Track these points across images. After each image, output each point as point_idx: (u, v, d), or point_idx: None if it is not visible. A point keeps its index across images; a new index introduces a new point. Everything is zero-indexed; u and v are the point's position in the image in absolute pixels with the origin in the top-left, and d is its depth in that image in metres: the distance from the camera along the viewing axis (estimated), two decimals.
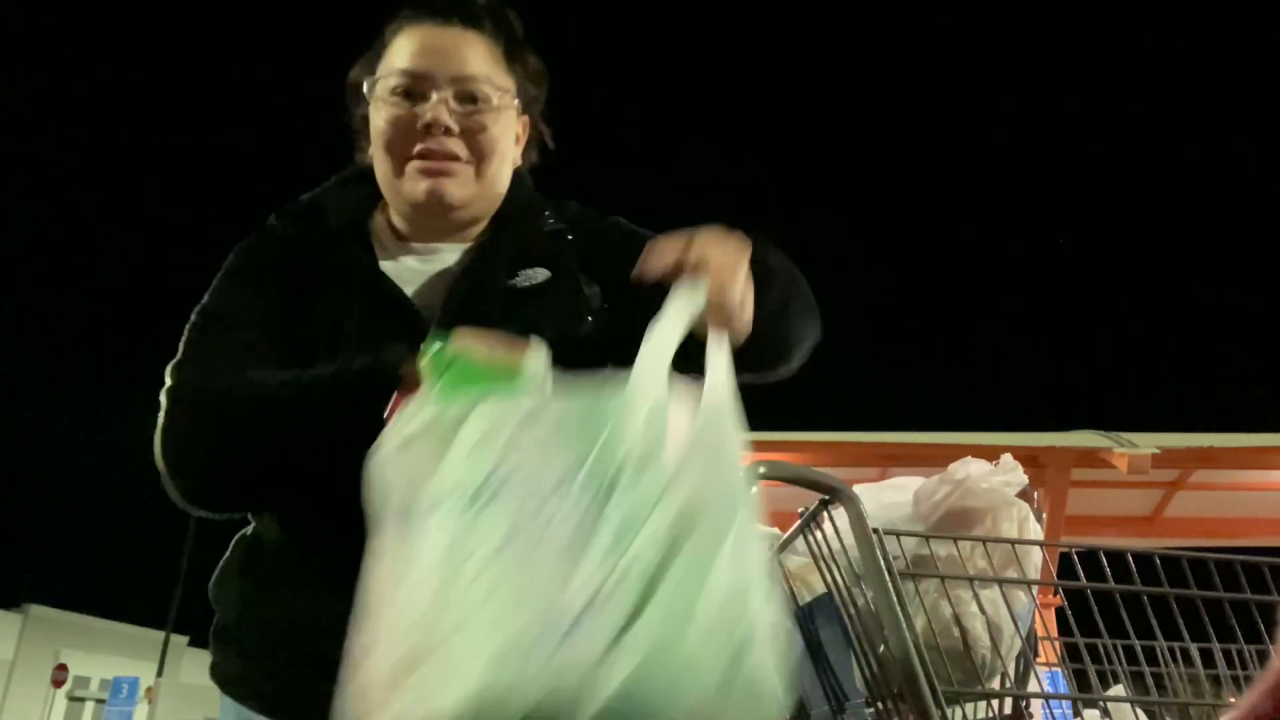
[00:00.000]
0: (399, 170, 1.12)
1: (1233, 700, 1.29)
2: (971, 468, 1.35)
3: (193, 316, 1.13)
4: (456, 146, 1.10)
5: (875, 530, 1.11)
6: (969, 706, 1.23)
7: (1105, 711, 1.21)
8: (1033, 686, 1.35)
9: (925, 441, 6.96)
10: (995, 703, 1.22)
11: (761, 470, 1.16)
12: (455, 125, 1.10)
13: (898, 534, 1.20)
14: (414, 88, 1.11)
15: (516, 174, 1.20)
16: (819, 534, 1.20)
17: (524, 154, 1.22)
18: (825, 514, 1.17)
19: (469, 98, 1.11)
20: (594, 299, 1.15)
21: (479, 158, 1.12)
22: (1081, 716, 1.76)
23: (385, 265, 1.14)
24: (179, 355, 1.08)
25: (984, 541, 1.23)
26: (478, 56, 1.13)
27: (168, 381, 1.07)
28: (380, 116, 1.13)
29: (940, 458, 1.47)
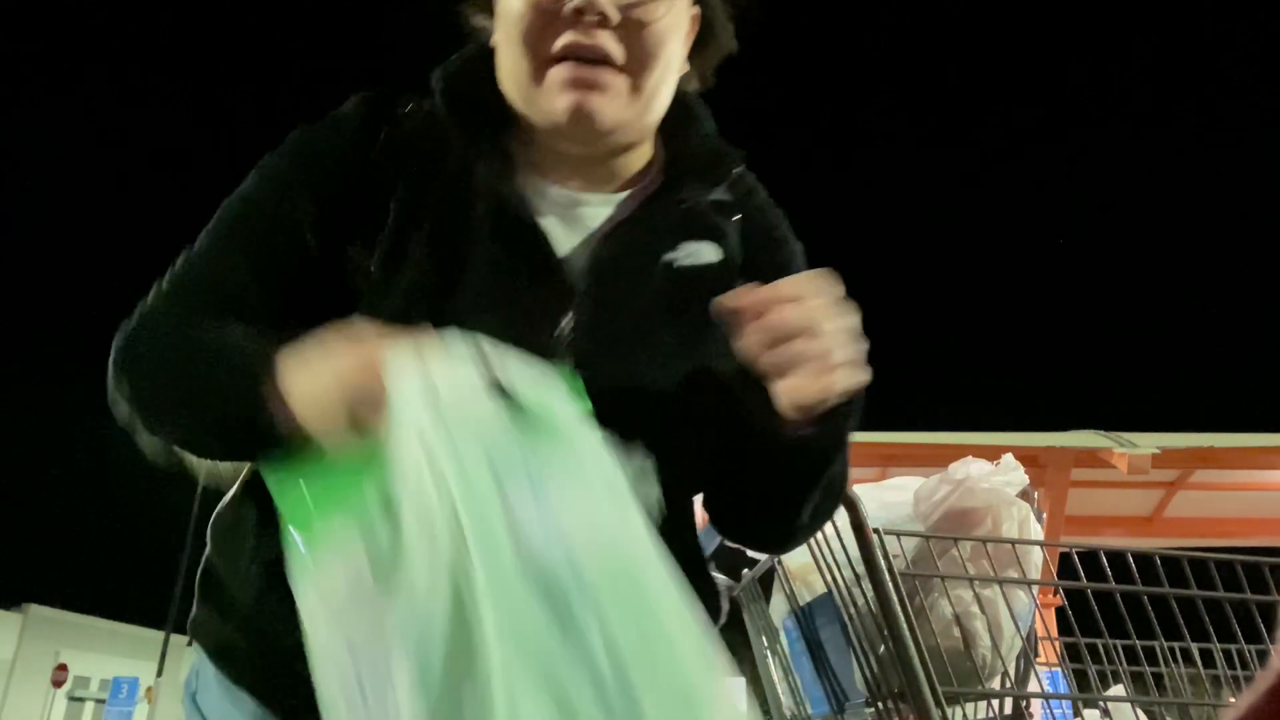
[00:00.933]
0: (537, 74, 0.86)
1: (1233, 700, 1.29)
2: (972, 468, 1.35)
3: (227, 201, 0.89)
4: (612, 44, 0.85)
5: (875, 530, 1.11)
6: (969, 706, 1.23)
7: (1105, 711, 1.21)
8: (1033, 686, 1.35)
9: (925, 441, 6.96)
10: (995, 702, 1.22)
11: None
12: (614, 13, 0.85)
13: (898, 534, 1.20)
14: None
15: (684, 96, 0.94)
16: (819, 534, 1.20)
17: (694, 62, 0.95)
18: None
19: None
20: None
21: (640, 60, 0.86)
22: (1082, 716, 1.76)
23: (538, 206, 0.89)
24: (192, 249, 0.86)
25: (984, 542, 1.23)
26: None
27: (162, 282, 0.86)
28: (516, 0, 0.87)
29: (940, 458, 1.47)
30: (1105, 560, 1.21)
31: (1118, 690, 1.46)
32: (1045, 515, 1.60)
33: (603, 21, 0.84)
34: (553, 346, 0.84)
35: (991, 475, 1.34)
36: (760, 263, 0.90)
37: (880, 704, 1.18)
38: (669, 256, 0.88)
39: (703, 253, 0.90)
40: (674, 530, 0.80)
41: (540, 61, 0.86)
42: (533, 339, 0.82)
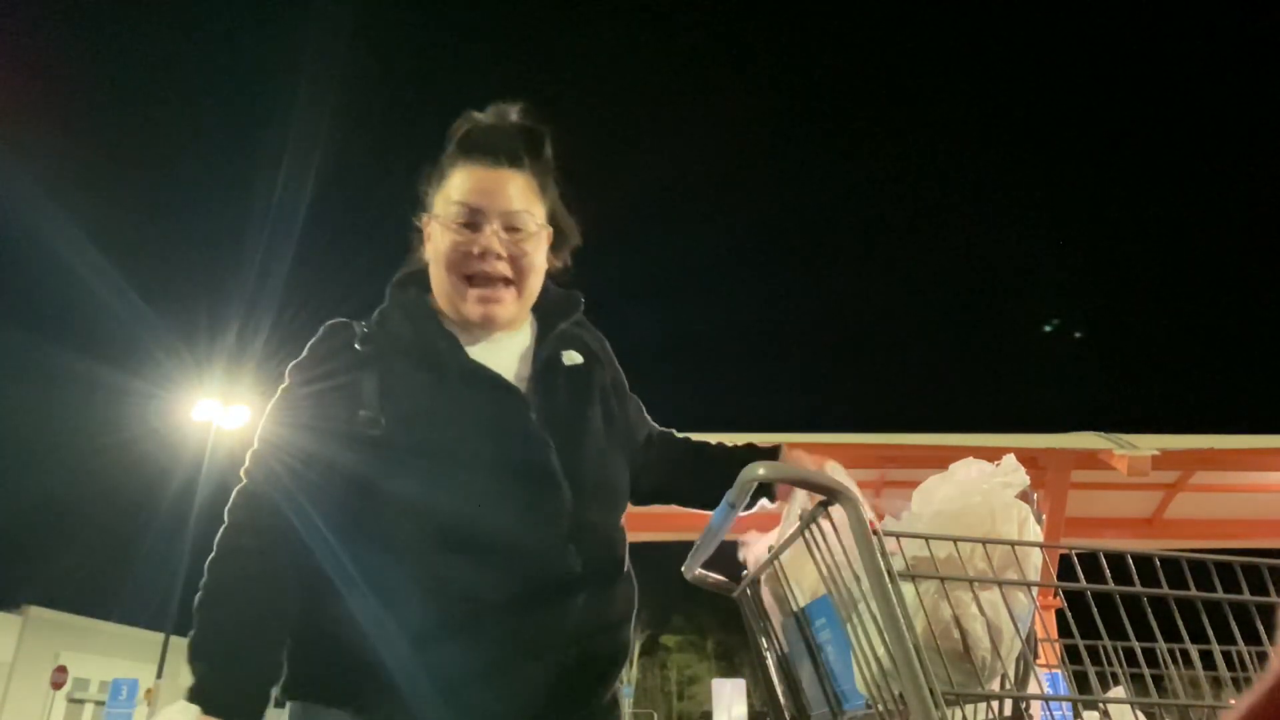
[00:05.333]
0: (458, 289, 1.41)
1: (1232, 701, 1.29)
2: (972, 469, 1.35)
3: (249, 481, 1.33)
4: (504, 268, 1.40)
5: (875, 531, 1.11)
6: (969, 708, 1.23)
7: (1105, 713, 1.21)
8: (1033, 688, 1.35)
9: (925, 442, 6.96)
10: (995, 704, 1.22)
11: (760, 471, 1.16)
12: (504, 251, 1.39)
13: (898, 535, 1.20)
14: (471, 220, 1.39)
15: (547, 278, 1.51)
16: (818, 535, 1.20)
17: (555, 255, 1.52)
18: (825, 515, 1.17)
19: (513, 228, 1.40)
20: (609, 387, 1.50)
21: (521, 276, 1.42)
22: (1081, 718, 1.76)
23: (469, 349, 1.41)
24: (238, 506, 1.30)
25: (984, 543, 1.23)
26: (519, 192, 1.41)
27: (233, 515, 1.30)
28: (444, 241, 1.41)
29: (940, 459, 1.47)
30: (1105, 562, 1.20)
31: (1118, 692, 1.46)
32: (1045, 517, 1.60)
33: (498, 256, 1.39)
34: (535, 429, 1.34)
35: (992, 476, 1.34)
36: (604, 360, 1.53)
37: (879, 706, 1.18)
38: (562, 360, 1.45)
39: (576, 357, 1.47)
40: (614, 542, 1.43)
41: (459, 280, 1.40)
42: (520, 426, 1.33)
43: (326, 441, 1.29)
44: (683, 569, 1.81)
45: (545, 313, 1.51)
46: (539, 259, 1.45)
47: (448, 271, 1.41)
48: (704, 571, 1.80)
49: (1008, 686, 1.26)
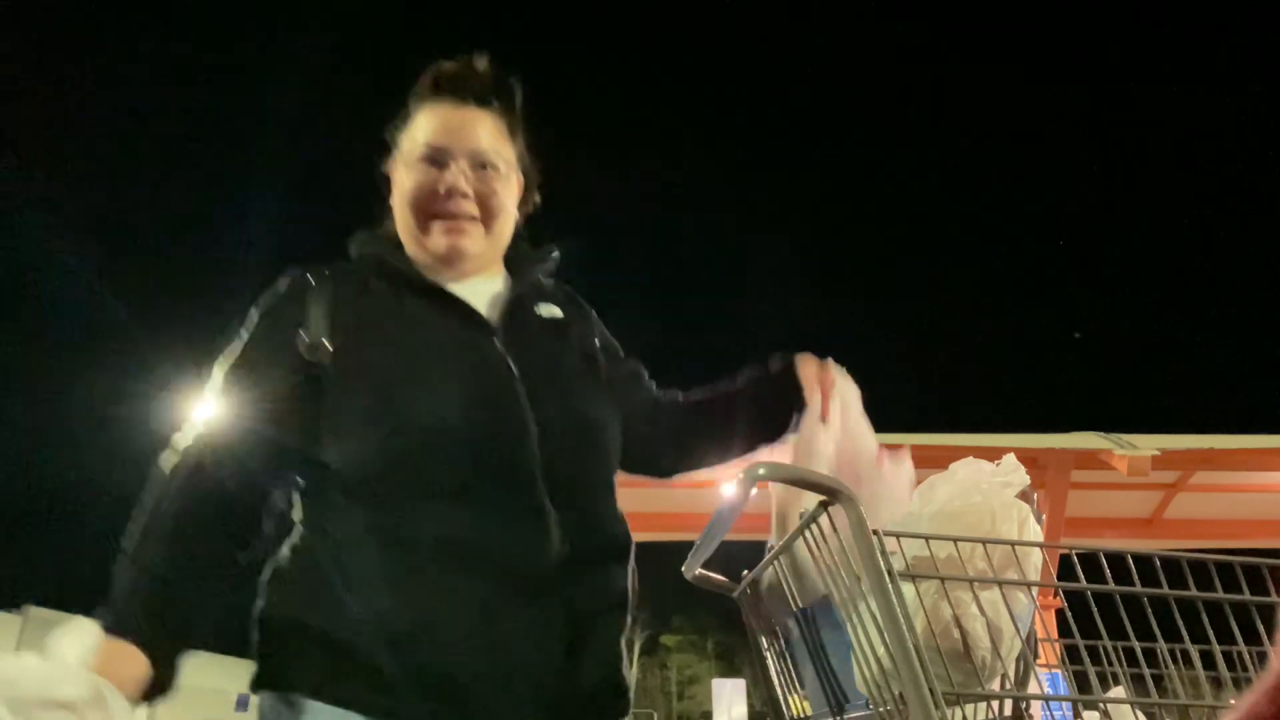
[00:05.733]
0: (423, 227, 1.33)
1: (1232, 702, 1.29)
2: (972, 469, 1.35)
3: (222, 370, 1.24)
4: (471, 208, 1.33)
5: (875, 531, 1.11)
6: (969, 708, 1.23)
7: (1105, 713, 1.21)
8: (1033, 688, 1.35)
9: (925, 443, 6.96)
10: (995, 704, 1.22)
11: (761, 471, 1.16)
12: (470, 190, 1.33)
13: (898, 535, 1.20)
14: (436, 157, 1.33)
15: (515, 228, 1.43)
16: (819, 535, 1.20)
17: (520, 210, 1.44)
18: (825, 515, 1.17)
19: (480, 166, 1.34)
20: (594, 345, 1.40)
21: (489, 216, 1.35)
22: (1081, 718, 1.76)
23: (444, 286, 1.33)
24: (200, 419, 1.20)
25: (984, 543, 1.23)
26: (487, 132, 1.35)
27: (190, 436, 1.19)
28: (408, 180, 1.34)
29: (940, 459, 1.47)
30: (1105, 562, 1.20)
31: (1118, 692, 1.46)
32: (1045, 517, 1.60)
33: (464, 195, 1.32)
34: (499, 356, 1.24)
35: (992, 476, 1.34)
36: (589, 321, 1.44)
37: (880, 706, 1.18)
38: (536, 310, 1.36)
39: (554, 311, 1.38)
40: (597, 496, 1.27)
41: (425, 219, 1.33)
42: (483, 353, 1.24)
43: (270, 377, 1.19)
44: (683, 569, 1.81)
45: (517, 265, 1.42)
46: (508, 201, 1.39)
47: (412, 211, 1.34)
48: (704, 571, 1.80)
49: (1008, 686, 1.26)
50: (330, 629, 1.10)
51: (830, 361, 1.42)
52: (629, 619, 1.26)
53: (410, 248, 1.37)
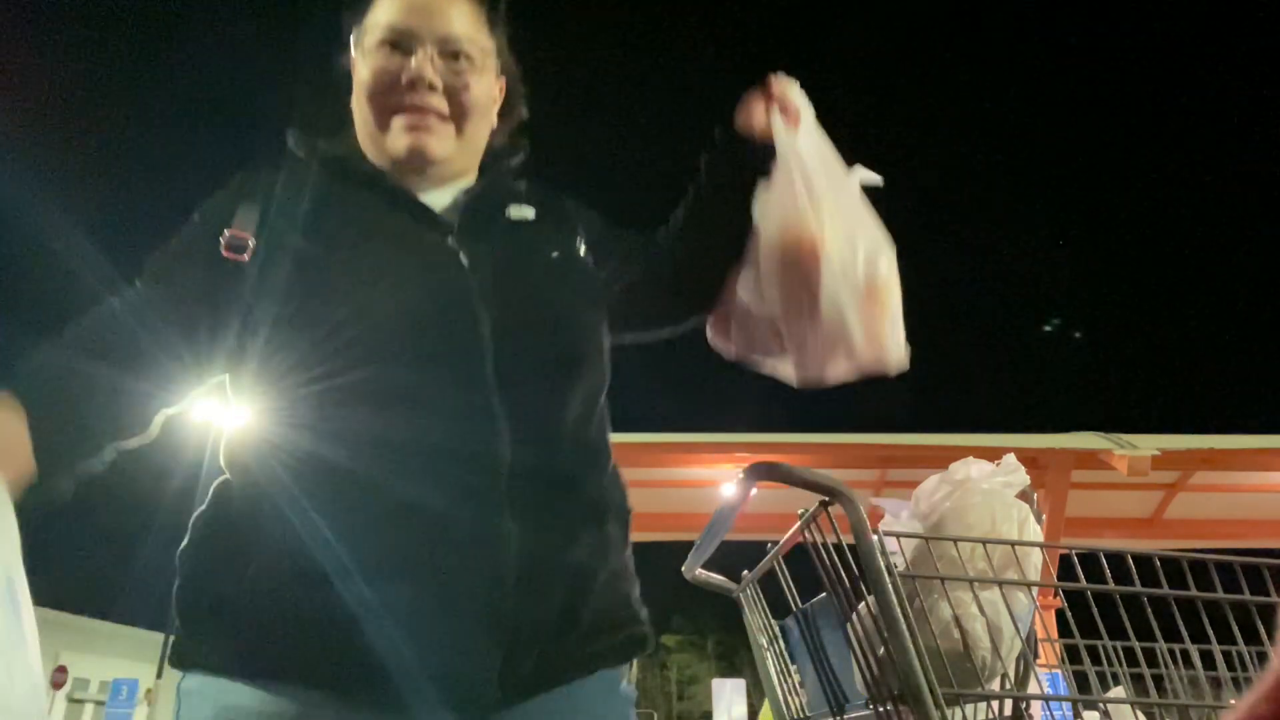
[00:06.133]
0: (382, 123, 1.12)
1: (1232, 702, 1.29)
2: (972, 468, 1.35)
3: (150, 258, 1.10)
4: (439, 103, 1.12)
5: (875, 531, 1.11)
6: (969, 708, 1.23)
7: (1105, 713, 1.21)
8: (1033, 688, 1.35)
9: (925, 443, 6.97)
10: (995, 704, 1.22)
11: (761, 471, 1.16)
12: (439, 81, 1.11)
13: (898, 535, 1.20)
14: (400, 42, 1.12)
15: (492, 136, 1.22)
16: (819, 535, 1.20)
17: (499, 117, 1.22)
18: (825, 515, 1.17)
19: (452, 55, 1.13)
20: (579, 241, 1.18)
21: (460, 115, 1.13)
22: (1081, 718, 1.77)
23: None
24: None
25: (984, 543, 1.23)
26: (462, 16, 1.14)
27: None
28: (365, 68, 1.13)
29: (940, 459, 1.47)
30: (1105, 562, 1.20)
31: (1118, 692, 1.46)
32: (1045, 517, 1.60)
33: (431, 87, 1.10)
34: (450, 252, 1.06)
35: (992, 476, 1.34)
36: (571, 216, 1.20)
37: (880, 706, 1.18)
38: (505, 214, 1.14)
39: (525, 211, 1.15)
40: (572, 416, 1.06)
41: (384, 114, 1.12)
42: (430, 248, 1.06)
43: (186, 274, 1.05)
44: (683, 569, 1.82)
45: (485, 165, 1.21)
46: (483, 97, 1.16)
47: (370, 104, 1.12)
48: (704, 571, 1.80)
49: (1008, 686, 1.26)
50: (241, 589, 0.94)
51: (772, 79, 1.17)
52: (614, 547, 1.06)
53: (369, 150, 1.15)
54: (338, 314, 0.99)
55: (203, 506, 1.03)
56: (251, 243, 1.04)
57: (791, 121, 1.11)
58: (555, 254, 1.14)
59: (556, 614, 0.97)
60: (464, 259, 1.06)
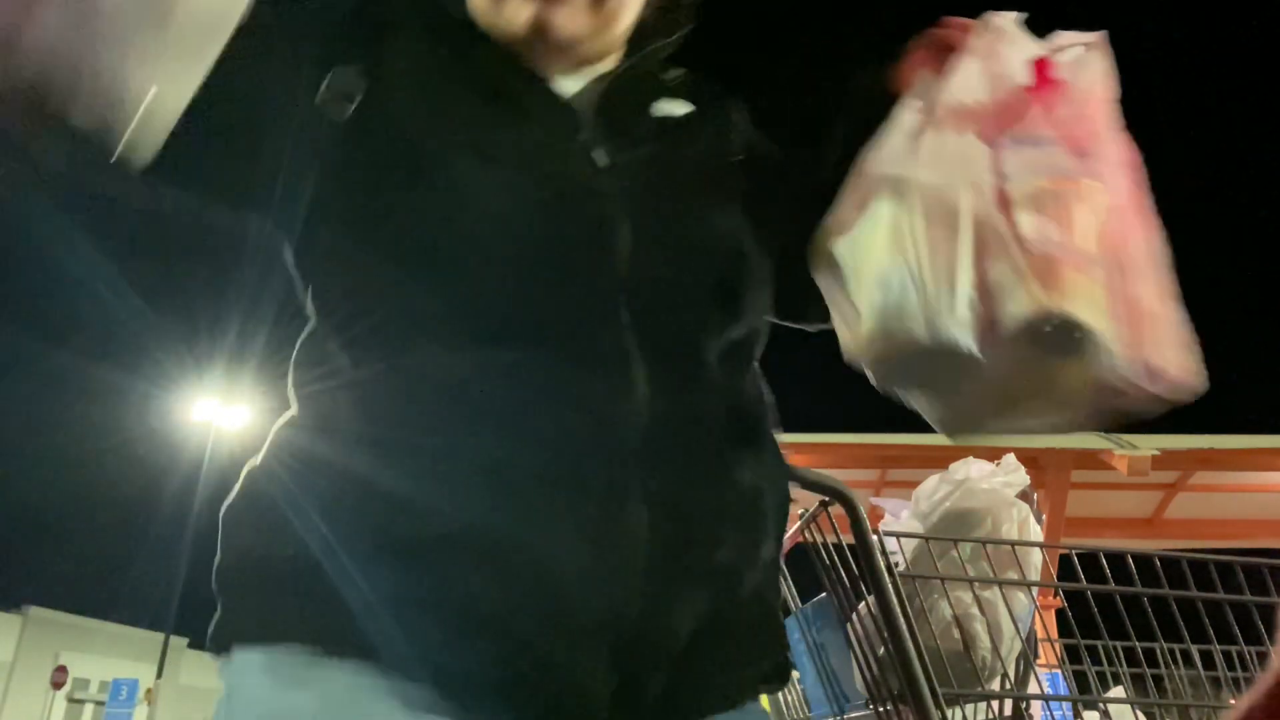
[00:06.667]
0: None
1: (1233, 702, 1.29)
2: (972, 468, 1.35)
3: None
4: None
5: (875, 531, 1.11)
6: (969, 708, 1.23)
7: (1105, 713, 1.21)
8: (1033, 688, 1.35)
9: (925, 443, 6.96)
10: (995, 704, 1.22)
11: None
12: None
13: (898, 535, 1.20)
14: None
15: (641, 11, 0.95)
16: (819, 535, 1.20)
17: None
18: (825, 515, 1.17)
19: None
20: (743, 138, 0.95)
21: None
22: (1081, 718, 1.76)
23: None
24: None
25: (984, 543, 1.23)
26: None
27: None
28: None
29: (940, 459, 1.47)
30: (1105, 562, 1.21)
31: (1118, 692, 1.46)
32: (1045, 517, 1.60)
33: None
34: (582, 146, 0.84)
35: (992, 476, 1.34)
36: (714, 114, 0.94)
37: (881, 706, 1.18)
38: (652, 110, 0.91)
39: (677, 108, 0.92)
40: (747, 384, 0.85)
41: None
42: (572, 170, 0.83)
43: (277, 126, 0.80)
44: None
45: (631, 46, 0.95)
46: None
47: None
48: None
49: (1008, 686, 1.26)
50: (296, 551, 0.73)
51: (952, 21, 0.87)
52: (767, 547, 0.83)
53: (485, 20, 0.89)
54: (428, 221, 0.78)
55: (257, 458, 0.82)
56: (357, 97, 0.82)
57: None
58: (713, 160, 0.92)
59: (693, 628, 0.76)
60: (598, 158, 0.84)
